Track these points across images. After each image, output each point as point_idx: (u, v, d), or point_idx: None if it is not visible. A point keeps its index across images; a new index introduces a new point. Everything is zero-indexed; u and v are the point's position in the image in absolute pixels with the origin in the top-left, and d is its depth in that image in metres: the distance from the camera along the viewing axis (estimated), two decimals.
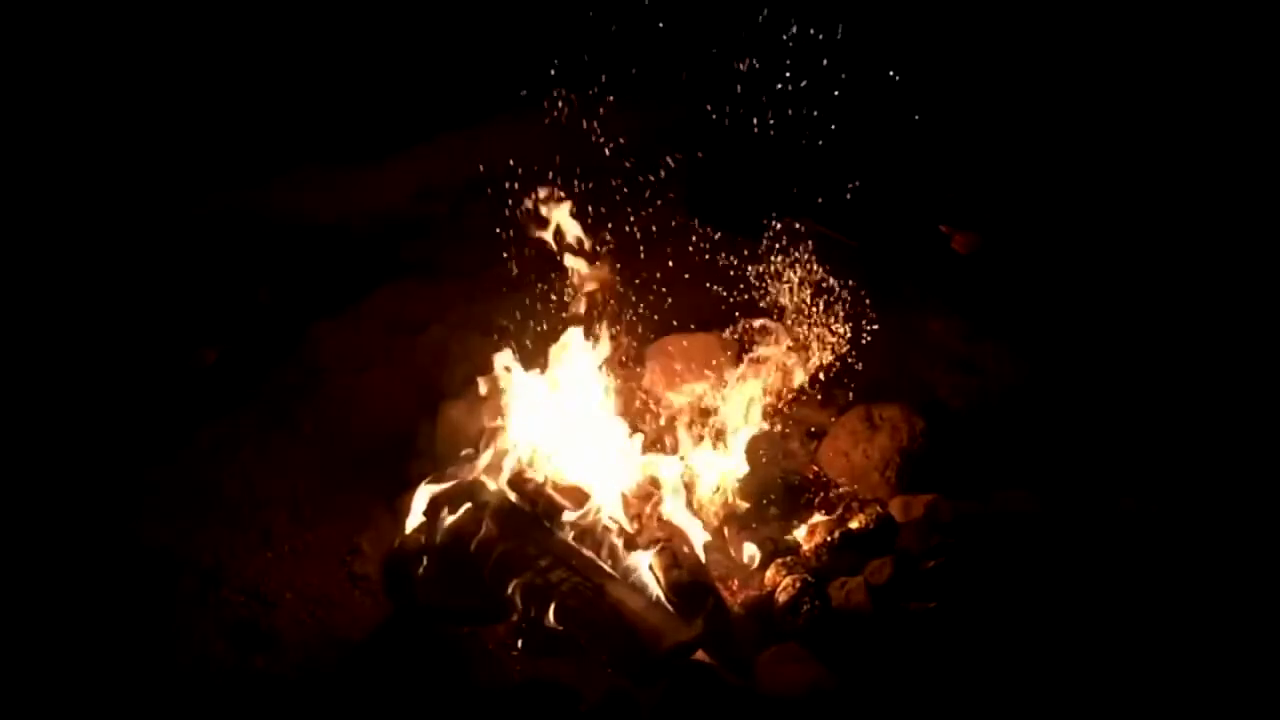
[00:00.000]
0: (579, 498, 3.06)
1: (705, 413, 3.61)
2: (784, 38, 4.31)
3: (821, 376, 3.69)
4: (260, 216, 5.14)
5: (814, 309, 3.66)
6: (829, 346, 3.62)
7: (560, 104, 4.25)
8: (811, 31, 4.28)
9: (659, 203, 4.34)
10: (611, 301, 3.55)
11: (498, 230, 3.91)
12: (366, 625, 2.94)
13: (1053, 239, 4.01)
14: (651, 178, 4.33)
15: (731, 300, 4.02)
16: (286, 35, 6.34)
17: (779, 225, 3.84)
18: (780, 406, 3.66)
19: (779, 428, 3.63)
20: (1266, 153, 4.03)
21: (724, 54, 4.34)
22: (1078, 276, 4.06)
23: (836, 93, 4.22)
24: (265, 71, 6.15)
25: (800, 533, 3.25)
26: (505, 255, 3.94)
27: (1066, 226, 4.08)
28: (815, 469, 3.58)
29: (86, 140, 5.55)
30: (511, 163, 3.86)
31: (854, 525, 3.17)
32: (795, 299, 3.71)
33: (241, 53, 6.22)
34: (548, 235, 3.48)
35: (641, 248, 4.20)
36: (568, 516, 2.99)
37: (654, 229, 4.34)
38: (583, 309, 3.47)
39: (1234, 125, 4.19)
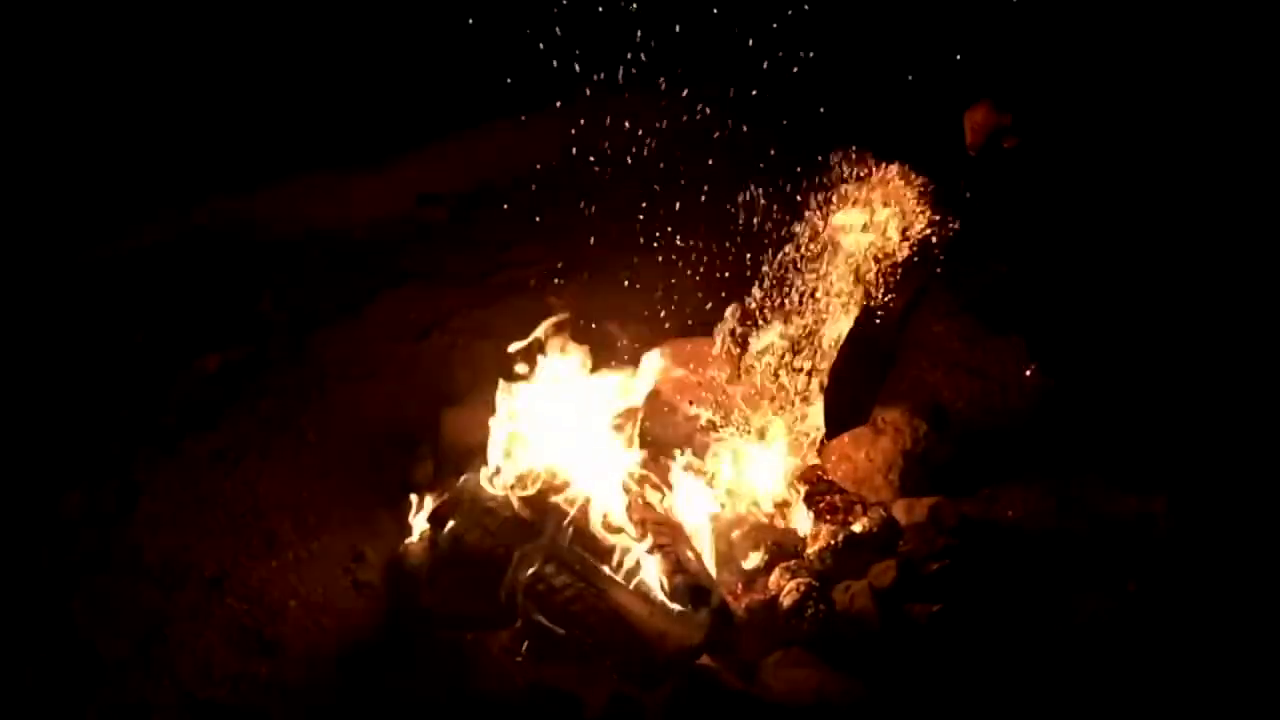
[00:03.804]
0: (582, 503, 3.05)
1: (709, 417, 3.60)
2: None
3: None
4: (262, 223, 5.16)
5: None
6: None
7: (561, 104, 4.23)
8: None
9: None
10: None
11: (499, 236, 3.91)
12: (370, 632, 2.94)
13: (1056, 238, 4.00)
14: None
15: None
16: (286, 39, 6.36)
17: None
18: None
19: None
20: (1268, 153, 4.02)
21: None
22: (1082, 278, 4.05)
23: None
24: (266, 78, 6.18)
25: (805, 536, 3.24)
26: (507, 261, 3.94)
27: (1070, 225, 4.06)
28: (820, 471, 3.57)
29: (88, 146, 5.58)
30: (513, 166, 3.86)
31: (858, 528, 3.16)
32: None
33: (242, 59, 6.24)
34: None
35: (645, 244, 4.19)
36: (570, 521, 2.99)
37: (658, 228, 4.35)
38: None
39: (1238, 125, 4.18)
